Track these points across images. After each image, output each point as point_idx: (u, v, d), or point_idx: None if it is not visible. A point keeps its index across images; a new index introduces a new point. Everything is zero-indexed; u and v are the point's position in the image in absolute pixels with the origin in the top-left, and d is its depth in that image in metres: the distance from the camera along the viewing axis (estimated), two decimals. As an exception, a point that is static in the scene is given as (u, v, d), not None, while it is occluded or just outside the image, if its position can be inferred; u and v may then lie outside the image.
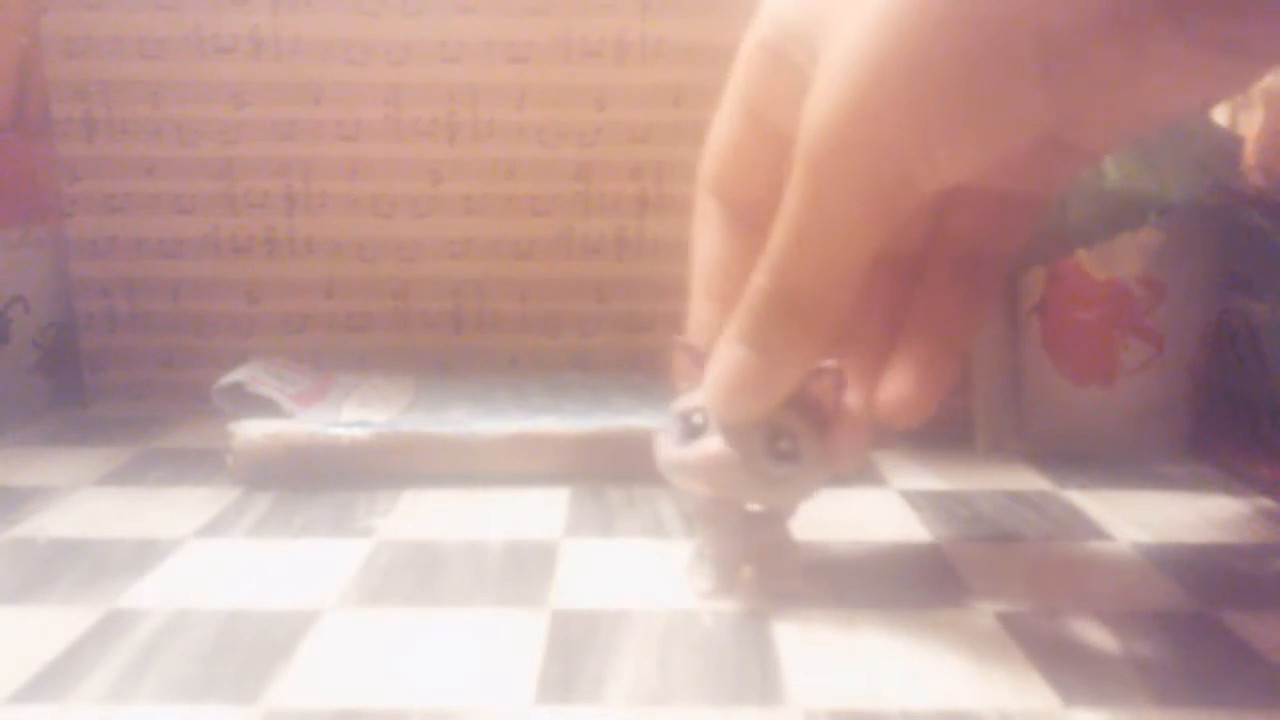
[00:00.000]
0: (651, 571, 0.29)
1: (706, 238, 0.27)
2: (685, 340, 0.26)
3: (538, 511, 0.33)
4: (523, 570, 0.29)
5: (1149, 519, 0.33)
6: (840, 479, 0.36)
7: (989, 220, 0.25)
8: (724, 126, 0.26)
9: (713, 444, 0.24)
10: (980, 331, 0.25)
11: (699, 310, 0.27)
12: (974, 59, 0.20)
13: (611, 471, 0.36)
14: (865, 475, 0.37)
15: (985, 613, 0.26)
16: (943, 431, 0.41)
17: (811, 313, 0.23)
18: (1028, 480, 0.37)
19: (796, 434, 0.25)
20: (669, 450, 0.26)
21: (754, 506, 0.27)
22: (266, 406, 0.37)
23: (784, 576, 0.27)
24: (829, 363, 0.25)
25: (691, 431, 0.25)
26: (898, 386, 0.25)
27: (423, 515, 0.33)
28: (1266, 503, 0.35)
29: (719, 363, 0.24)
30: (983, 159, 0.21)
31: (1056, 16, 0.19)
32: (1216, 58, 0.19)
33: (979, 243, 0.26)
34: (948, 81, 0.20)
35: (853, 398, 0.25)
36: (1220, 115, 0.39)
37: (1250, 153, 0.38)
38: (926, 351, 0.25)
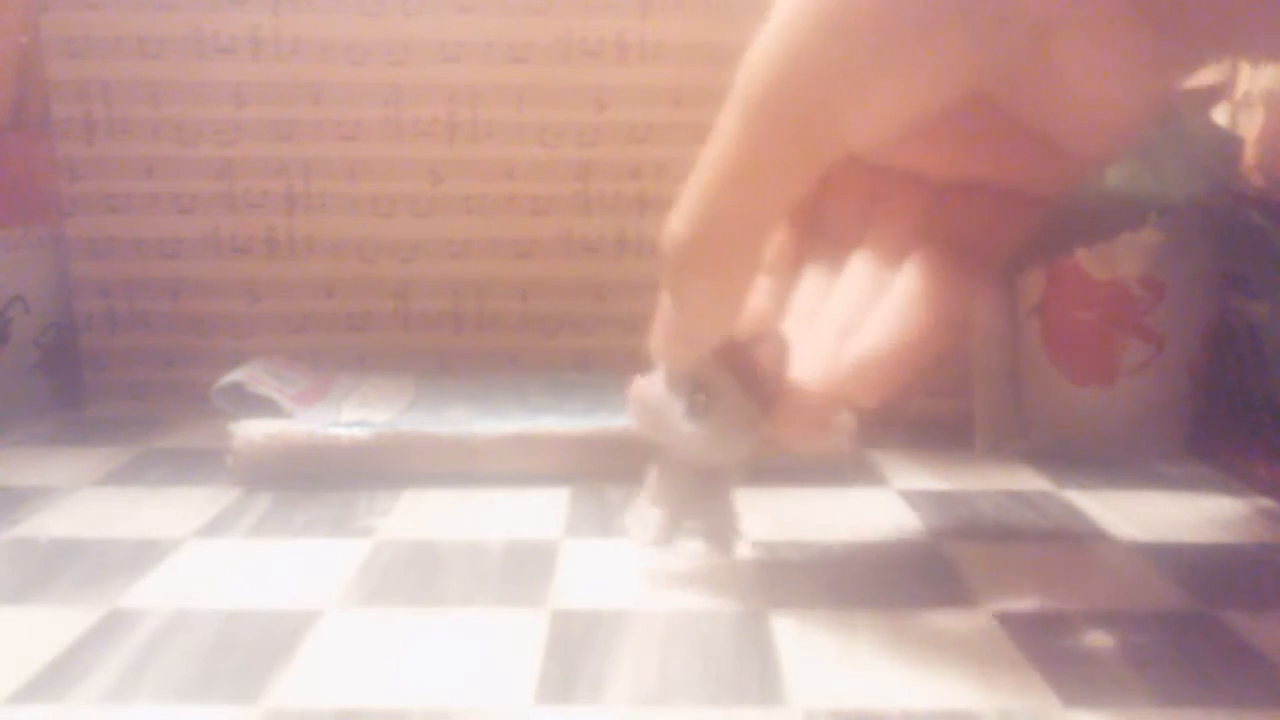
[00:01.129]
0: (651, 571, 0.29)
1: None
2: None
3: (538, 511, 0.33)
4: (523, 570, 0.29)
5: (1149, 519, 0.33)
6: (827, 473, 0.36)
7: (984, 215, 0.25)
8: None
9: (643, 382, 0.26)
10: (965, 331, 0.25)
11: None
12: None
13: (611, 471, 0.36)
14: (865, 475, 0.37)
15: (985, 613, 0.26)
16: (943, 431, 0.41)
17: (725, 261, 0.23)
18: (1028, 480, 0.37)
19: (714, 390, 0.25)
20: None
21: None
22: (266, 406, 0.37)
23: (723, 536, 0.28)
24: (775, 329, 0.25)
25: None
26: (854, 354, 0.24)
27: (423, 515, 0.33)
28: (1266, 503, 0.35)
29: (658, 313, 0.25)
30: (911, 110, 0.21)
31: None
32: (1136, 25, 0.19)
33: (971, 235, 0.25)
34: (868, 21, 0.20)
35: (806, 369, 0.25)
36: (1220, 115, 0.39)
37: (1250, 153, 0.38)
38: (891, 325, 0.24)
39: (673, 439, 0.26)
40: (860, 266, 0.26)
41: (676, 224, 0.23)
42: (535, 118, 0.45)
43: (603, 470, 0.36)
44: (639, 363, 0.45)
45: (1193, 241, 0.37)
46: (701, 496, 0.28)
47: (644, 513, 0.28)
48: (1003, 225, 0.26)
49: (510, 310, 0.46)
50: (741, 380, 0.25)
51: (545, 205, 0.45)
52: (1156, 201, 0.34)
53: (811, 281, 0.27)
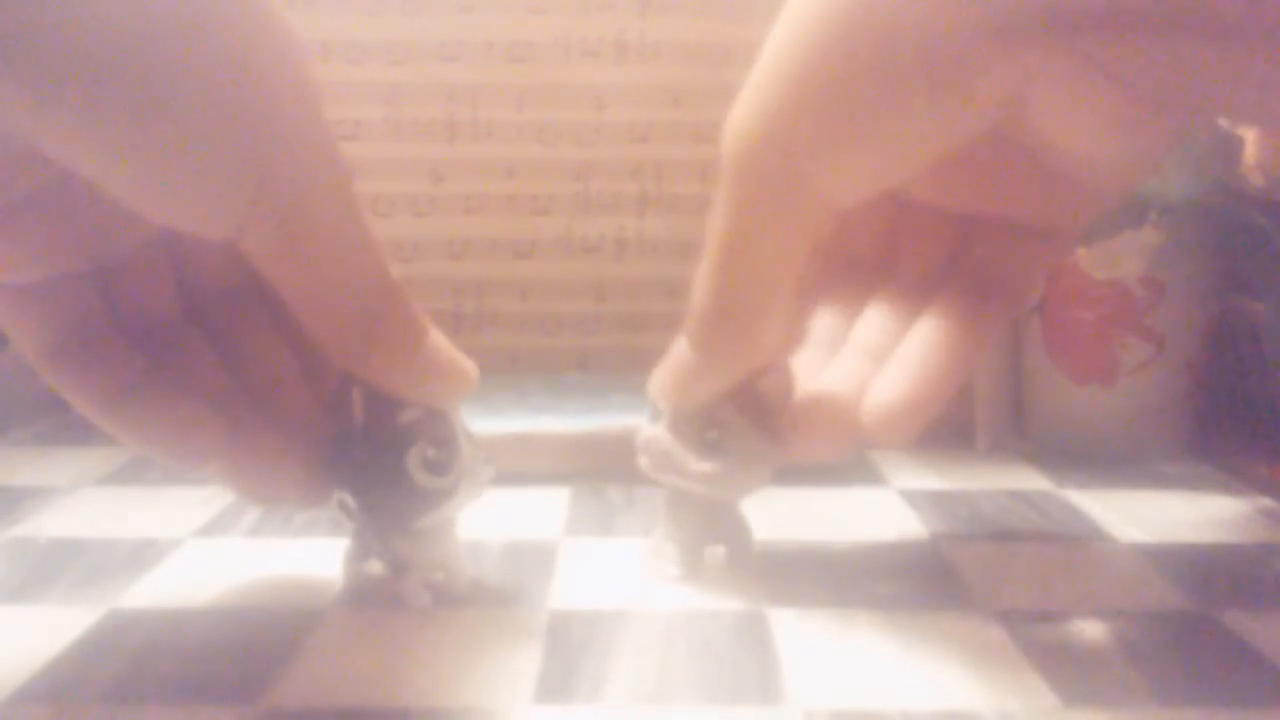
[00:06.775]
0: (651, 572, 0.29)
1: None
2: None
3: (538, 511, 0.33)
4: (522, 570, 0.29)
5: (1149, 519, 0.33)
6: (827, 473, 0.36)
7: (1006, 251, 0.26)
8: None
9: (652, 428, 0.26)
10: (978, 363, 0.26)
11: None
12: (859, 69, 0.20)
13: (611, 471, 0.36)
14: (865, 475, 0.37)
15: (985, 613, 0.26)
16: (943, 431, 0.41)
17: (747, 318, 0.23)
18: (1028, 480, 0.37)
19: (726, 426, 0.26)
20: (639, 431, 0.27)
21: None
22: (266, 406, 0.37)
23: (743, 560, 0.28)
24: (780, 361, 0.26)
25: (655, 415, 0.27)
26: (884, 399, 0.24)
27: (423, 515, 0.33)
28: (1266, 503, 0.35)
29: (668, 357, 0.25)
30: (887, 174, 0.22)
31: (934, 25, 0.19)
32: (1107, 90, 0.19)
33: (995, 272, 0.26)
34: (837, 92, 0.20)
35: (831, 392, 0.25)
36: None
37: (1250, 153, 0.38)
38: (921, 370, 0.25)
39: (687, 480, 0.26)
40: (886, 300, 0.26)
41: (700, 278, 0.24)
42: (535, 118, 0.45)
43: (603, 470, 0.36)
44: (639, 362, 0.45)
45: (1193, 241, 0.37)
46: (718, 522, 0.28)
47: (661, 549, 0.28)
48: (1024, 262, 0.26)
49: (510, 310, 0.46)
50: (749, 413, 0.26)
51: (545, 205, 0.45)
52: (1156, 201, 0.34)
53: (831, 310, 0.28)
